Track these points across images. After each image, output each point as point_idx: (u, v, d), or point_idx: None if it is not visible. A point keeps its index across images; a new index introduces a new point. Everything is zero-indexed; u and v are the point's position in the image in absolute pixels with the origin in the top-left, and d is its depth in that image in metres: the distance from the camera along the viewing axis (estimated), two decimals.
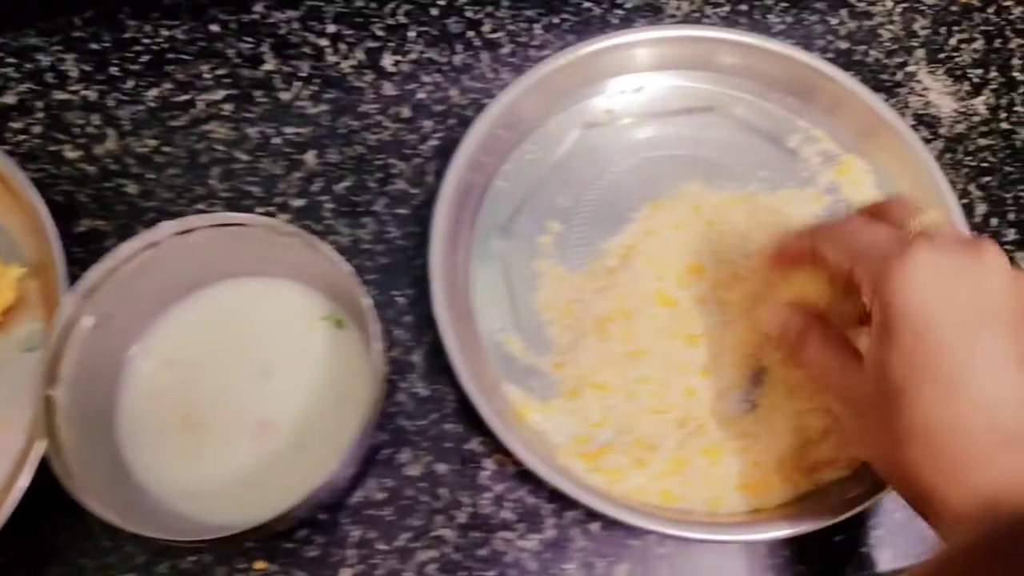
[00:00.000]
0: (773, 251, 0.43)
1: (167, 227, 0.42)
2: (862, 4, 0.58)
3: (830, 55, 0.56)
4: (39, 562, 0.43)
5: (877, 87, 0.55)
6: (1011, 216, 0.53)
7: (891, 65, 0.56)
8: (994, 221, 0.53)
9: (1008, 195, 0.53)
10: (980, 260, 0.34)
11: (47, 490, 0.37)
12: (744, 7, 0.57)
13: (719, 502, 0.44)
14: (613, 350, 0.45)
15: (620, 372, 0.45)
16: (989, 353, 0.32)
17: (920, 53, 0.56)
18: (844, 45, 0.56)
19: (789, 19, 0.57)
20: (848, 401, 0.37)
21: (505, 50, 0.55)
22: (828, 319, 0.40)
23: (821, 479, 0.44)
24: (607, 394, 0.45)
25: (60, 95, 0.52)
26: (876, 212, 0.39)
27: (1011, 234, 0.52)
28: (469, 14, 0.56)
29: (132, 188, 0.50)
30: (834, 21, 0.57)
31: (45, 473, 0.37)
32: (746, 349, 0.46)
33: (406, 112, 0.53)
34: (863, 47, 0.56)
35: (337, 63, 0.54)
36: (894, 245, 0.34)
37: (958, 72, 0.56)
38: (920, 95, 0.55)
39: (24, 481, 0.41)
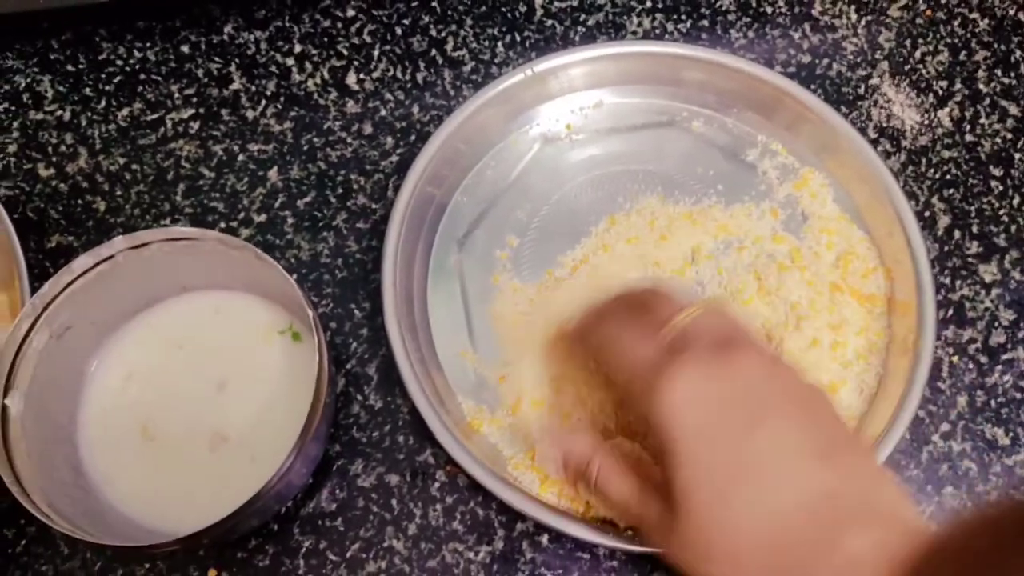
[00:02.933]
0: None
1: (120, 242, 0.43)
2: (825, 18, 0.58)
3: (792, 69, 0.56)
4: None
5: (840, 101, 0.55)
6: (974, 228, 0.52)
7: (854, 78, 0.56)
8: (957, 234, 0.52)
9: (971, 207, 0.53)
10: (731, 363, 0.34)
11: (8, 498, 0.38)
12: (705, 23, 0.58)
13: None
14: (541, 372, 0.46)
15: (545, 396, 0.45)
16: (775, 452, 0.32)
17: (884, 66, 0.56)
18: (806, 59, 0.56)
19: (751, 34, 0.57)
20: (654, 530, 0.36)
21: (467, 67, 0.56)
22: (605, 446, 0.40)
23: None
24: (532, 410, 0.45)
25: (35, 115, 0.54)
26: (640, 301, 0.39)
27: (974, 246, 0.52)
28: (433, 33, 0.57)
29: (101, 204, 0.52)
30: (796, 35, 0.57)
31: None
32: None
33: (368, 129, 0.54)
34: (826, 60, 0.56)
35: (302, 82, 0.55)
36: (653, 367, 0.34)
37: (922, 84, 0.56)
38: (883, 107, 0.55)
39: None
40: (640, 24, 0.57)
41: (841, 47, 0.57)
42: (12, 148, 0.53)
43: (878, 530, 0.30)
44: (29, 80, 0.55)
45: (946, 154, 0.54)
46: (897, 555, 0.30)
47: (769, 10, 0.58)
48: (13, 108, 0.54)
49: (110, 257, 0.43)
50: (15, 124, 0.54)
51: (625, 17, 0.58)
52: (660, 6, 0.58)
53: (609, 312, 0.40)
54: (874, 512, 0.31)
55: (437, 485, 0.45)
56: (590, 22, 0.58)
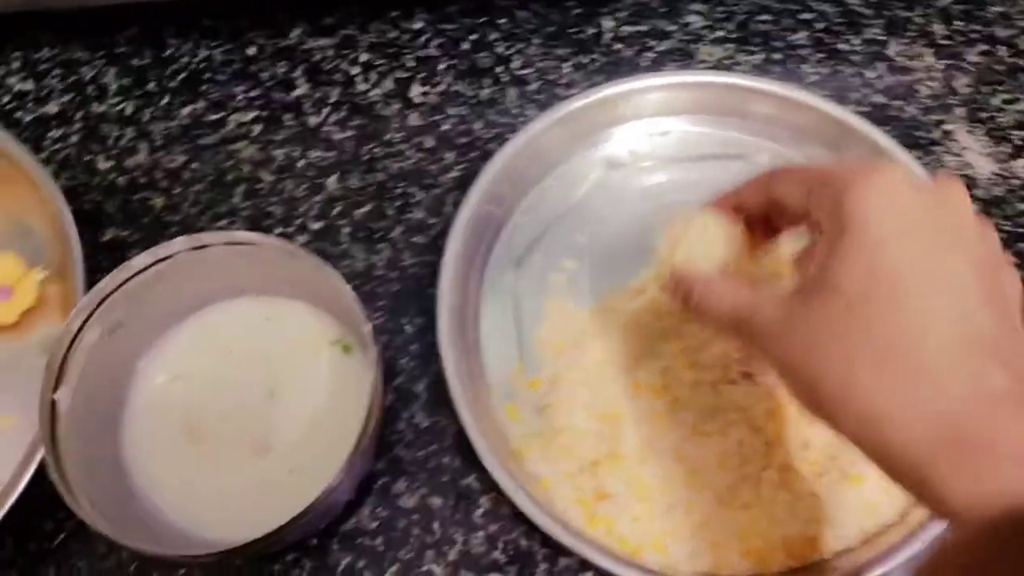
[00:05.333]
0: (724, 195, 0.41)
1: (180, 242, 0.42)
2: (901, 59, 0.56)
3: (865, 109, 0.55)
4: (35, 560, 0.44)
5: (912, 144, 0.54)
6: None
7: (928, 122, 0.55)
8: None
9: None
10: (946, 196, 0.32)
11: (51, 490, 0.37)
12: (778, 56, 0.57)
13: (722, 564, 0.42)
14: (592, 404, 0.45)
15: (595, 432, 0.44)
16: (954, 280, 0.30)
17: (960, 111, 0.55)
18: (880, 99, 0.55)
19: (824, 70, 0.56)
20: (767, 326, 0.33)
21: (532, 87, 0.55)
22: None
23: (827, 549, 0.42)
24: (582, 443, 0.44)
25: (98, 107, 0.54)
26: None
27: None
28: (500, 49, 0.56)
29: (158, 201, 0.51)
30: (871, 75, 0.56)
31: (47, 474, 0.37)
32: (749, 422, 0.45)
33: (430, 142, 0.53)
34: (900, 102, 0.55)
35: (366, 91, 0.55)
36: (857, 169, 0.32)
37: (999, 133, 0.54)
38: (957, 155, 0.54)
39: (23, 483, 0.42)
40: (711, 53, 0.56)
41: (916, 89, 0.56)
42: (74, 139, 0.53)
43: (1018, 381, 0.29)
44: (95, 72, 0.55)
45: (1021, 206, 0.53)
46: None
47: (844, 47, 0.57)
48: (78, 99, 0.54)
49: (168, 257, 0.43)
50: (78, 115, 0.54)
51: (695, 45, 0.57)
52: (732, 37, 0.57)
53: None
54: (1020, 367, 0.29)
55: (480, 511, 0.44)
56: (659, 48, 0.57)
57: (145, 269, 0.42)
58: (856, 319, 0.30)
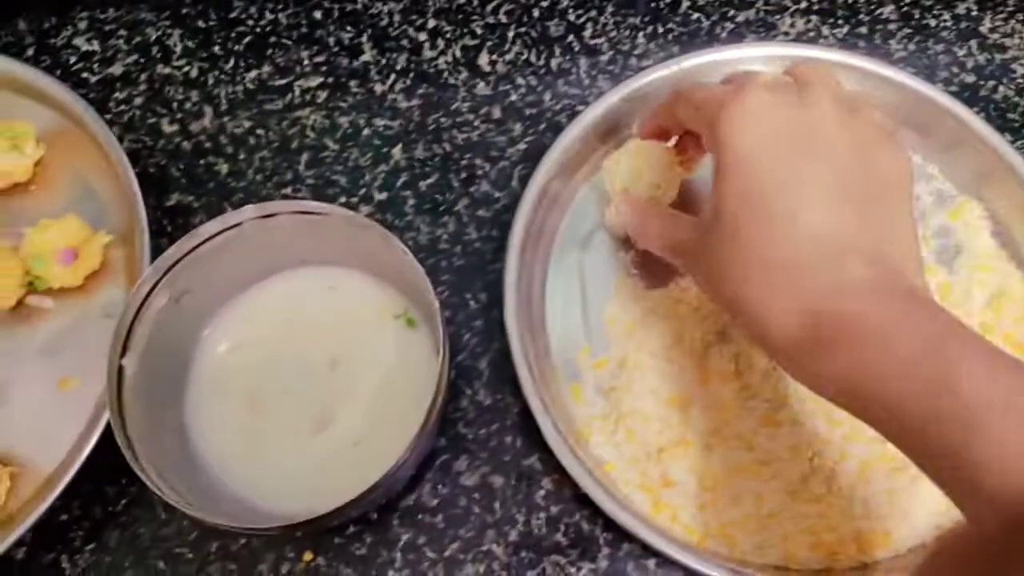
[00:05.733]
0: (643, 123, 0.46)
1: (249, 210, 0.42)
2: (995, 36, 0.53)
3: (954, 88, 0.52)
4: (99, 525, 0.44)
5: (1003, 127, 0.51)
6: None
7: (1022, 104, 0.52)
8: None
9: None
10: (807, 99, 0.34)
11: (114, 455, 0.37)
12: (864, 30, 0.54)
13: (791, 557, 0.41)
14: (659, 388, 0.44)
15: (663, 417, 0.43)
16: (813, 184, 0.33)
17: None
18: (970, 79, 0.52)
19: (912, 47, 0.53)
20: (687, 252, 0.38)
21: (605, 57, 0.53)
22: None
23: (901, 545, 0.41)
24: (649, 427, 0.43)
25: (163, 69, 0.54)
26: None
27: None
28: (571, 18, 0.54)
29: (223, 167, 0.51)
30: (961, 52, 0.53)
31: (113, 439, 0.37)
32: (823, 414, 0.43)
33: (497, 113, 0.52)
34: (992, 82, 0.52)
35: (433, 58, 0.53)
36: (730, 92, 0.35)
37: None
38: None
39: (89, 447, 0.42)
40: (793, 25, 0.54)
41: (1010, 69, 0.53)
42: (138, 101, 0.53)
43: (877, 269, 0.32)
44: (160, 33, 0.55)
45: None
46: (884, 295, 0.31)
47: (933, 23, 0.54)
48: (142, 61, 0.54)
49: (236, 225, 0.42)
50: (143, 77, 0.53)
51: (777, 16, 0.54)
52: (816, 8, 0.54)
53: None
54: (880, 256, 0.32)
55: (542, 492, 0.44)
56: (739, 19, 0.54)
57: (212, 237, 0.42)
58: (740, 242, 0.33)
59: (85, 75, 0.54)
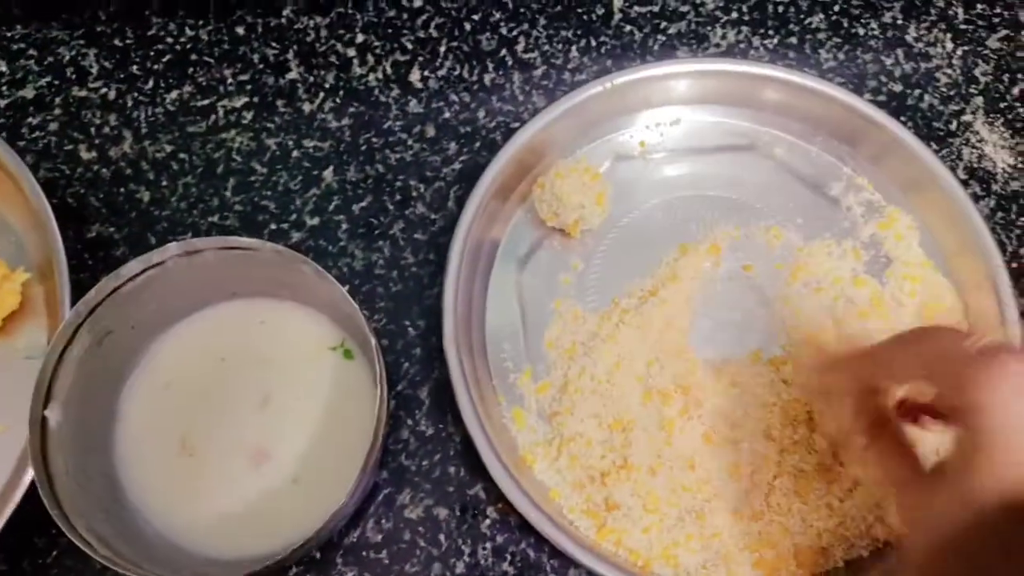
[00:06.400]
0: (823, 372, 0.41)
1: (173, 248, 0.40)
2: (920, 45, 0.54)
3: (882, 97, 0.53)
4: None
5: (929, 136, 0.52)
6: None
7: (946, 112, 0.53)
8: None
9: None
10: None
11: (43, 505, 0.35)
12: (794, 40, 0.54)
13: (734, 575, 0.41)
14: (602, 412, 0.44)
15: (605, 441, 0.43)
16: None
17: (978, 101, 0.53)
18: (898, 88, 0.53)
19: (841, 56, 0.54)
20: (915, 514, 0.34)
21: (538, 71, 0.53)
22: (889, 416, 0.37)
23: (838, 559, 0.42)
24: (591, 452, 0.43)
25: (79, 92, 0.51)
26: (928, 333, 0.37)
27: None
28: (504, 31, 0.54)
29: (145, 195, 0.49)
30: (888, 61, 0.54)
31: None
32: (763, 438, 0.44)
33: (431, 131, 0.51)
34: (918, 91, 0.53)
35: (363, 75, 0.52)
36: (973, 354, 0.32)
37: (1019, 124, 0.53)
38: (975, 147, 0.52)
39: (15, 500, 0.40)
40: (724, 37, 0.54)
41: (934, 78, 0.54)
42: (54, 126, 0.50)
43: None
44: (74, 53, 0.52)
45: None
46: None
47: (861, 32, 0.54)
48: (56, 83, 0.51)
49: (160, 263, 0.40)
50: (57, 100, 0.51)
51: (708, 28, 0.54)
52: (746, 19, 0.54)
53: (908, 335, 0.37)
54: None
55: (488, 522, 0.43)
56: (671, 31, 0.54)
57: (135, 276, 0.40)
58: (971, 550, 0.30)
59: None
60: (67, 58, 0.52)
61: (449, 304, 0.44)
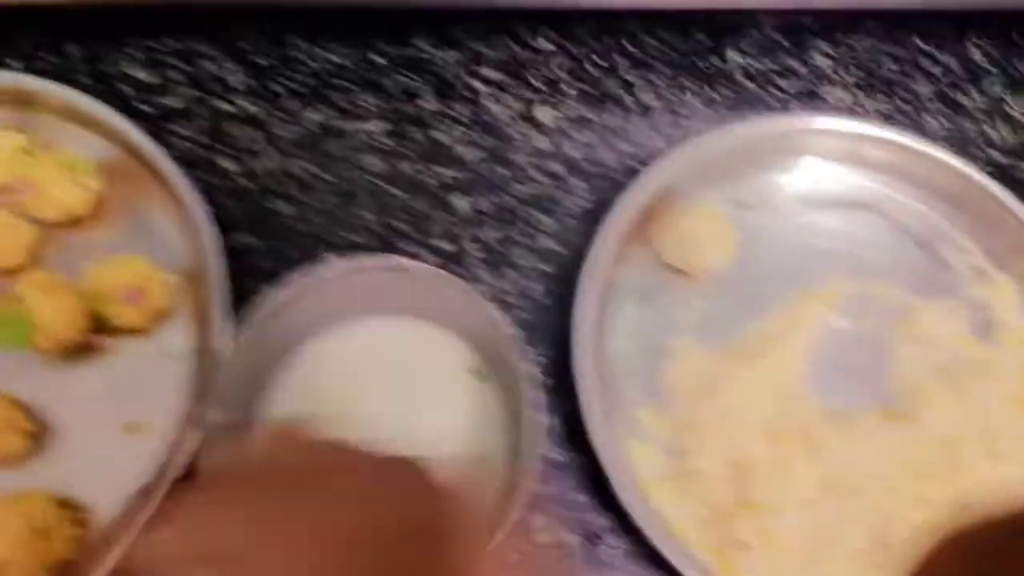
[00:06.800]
0: None
1: (339, 264, 0.42)
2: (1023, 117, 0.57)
3: (990, 169, 0.55)
4: None
5: None
6: None
7: None
8: None
9: None
10: None
11: None
12: (900, 103, 0.57)
13: None
14: (725, 450, 0.46)
15: (729, 479, 0.45)
16: None
17: None
18: (1003, 160, 0.56)
19: (947, 124, 0.56)
20: None
21: (659, 117, 0.55)
22: None
23: None
24: (715, 490, 0.45)
25: (223, 105, 0.53)
26: None
27: None
28: (627, 76, 0.56)
29: (287, 209, 0.51)
30: (993, 134, 0.56)
31: None
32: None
33: (557, 168, 0.53)
34: (1023, 163, 0.56)
35: (493, 109, 0.54)
36: None
37: None
38: None
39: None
40: (838, 98, 0.57)
41: None
42: (198, 137, 0.52)
43: None
44: (218, 68, 0.54)
45: None
46: None
47: (966, 102, 0.57)
48: (200, 95, 0.53)
49: (323, 278, 0.42)
50: (202, 112, 0.53)
51: (822, 87, 0.57)
52: (857, 83, 0.57)
53: None
54: None
55: (617, 552, 0.45)
56: (785, 86, 0.57)
57: (294, 289, 0.42)
58: None
59: (141, 106, 0.53)
60: (211, 71, 0.54)
61: (579, 336, 0.46)
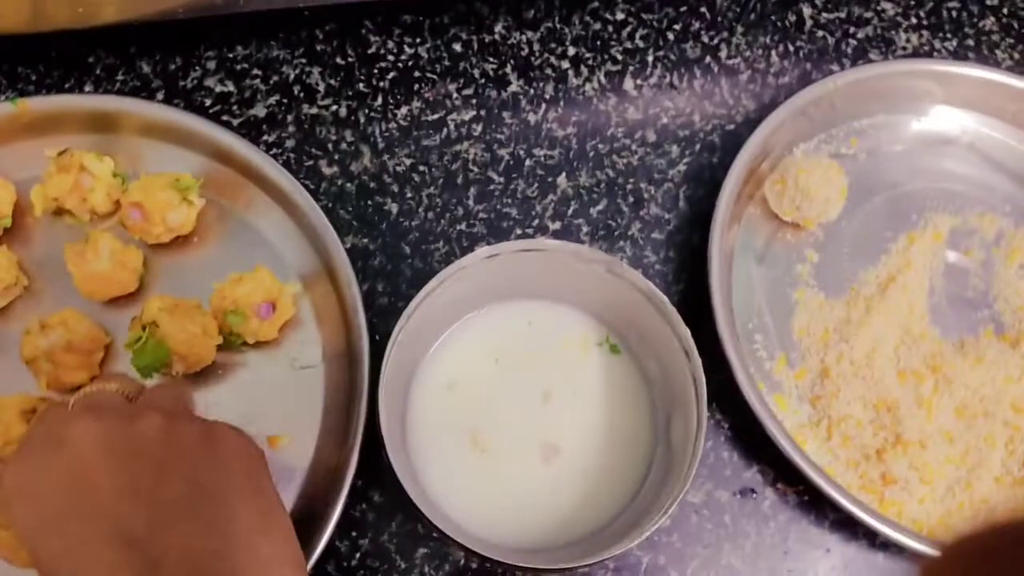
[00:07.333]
0: None
1: (479, 253, 0.42)
2: None
3: None
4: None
5: None
6: None
7: None
8: None
9: None
10: (63, 447, 0.33)
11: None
12: (971, 42, 0.58)
13: None
14: (866, 394, 0.46)
15: (874, 420, 0.46)
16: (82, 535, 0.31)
17: None
18: None
19: (1016, 55, 0.57)
20: None
21: (743, 76, 0.55)
22: None
23: None
24: (863, 432, 0.46)
25: (310, 109, 0.53)
26: None
27: None
28: (705, 39, 0.56)
29: (392, 207, 0.50)
30: None
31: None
32: None
33: (651, 136, 0.53)
34: None
35: (580, 86, 0.54)
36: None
37: None
38: None
39: (338, 509, 0.41)
40: (908, 40, 0.57)
41: None
42: (290, 143, 0.52)
43: None
44: (298, 72, 0.54)
45: None
46: None
47: None
48: (285, 101, 0.53)
49: (464, 267, 0.42)
50: (289, 118, 0.52)
51: (893, 32, 0.57)
52: (925, 24, 0.58)
53: None
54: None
55: (767, 503, 0.45)
56: (859, 35, 0.57)
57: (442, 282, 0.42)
58: None
59: (226, 117, 0.52)
60: (292, 76, 0.53)
61: (715, 303, 0.46)
